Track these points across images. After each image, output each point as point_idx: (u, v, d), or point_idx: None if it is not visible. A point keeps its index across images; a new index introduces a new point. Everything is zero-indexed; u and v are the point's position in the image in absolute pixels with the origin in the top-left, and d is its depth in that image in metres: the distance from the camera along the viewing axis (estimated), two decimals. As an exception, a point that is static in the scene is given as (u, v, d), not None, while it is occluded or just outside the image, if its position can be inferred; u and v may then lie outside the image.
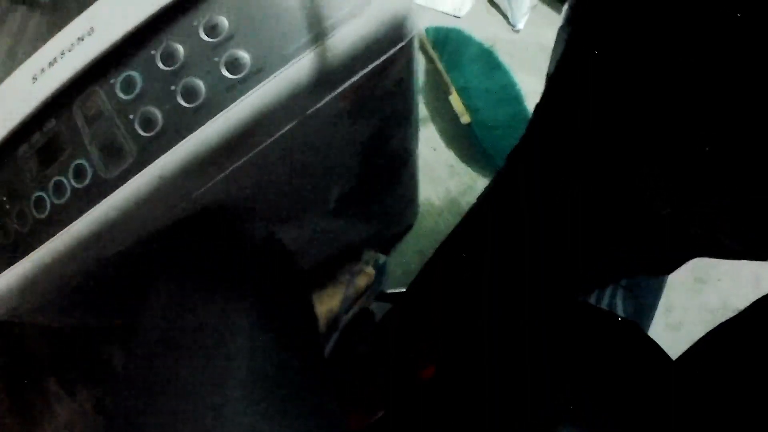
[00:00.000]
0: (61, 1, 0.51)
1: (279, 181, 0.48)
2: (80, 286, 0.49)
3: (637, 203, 0.53)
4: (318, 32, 0.41)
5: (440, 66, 1.16)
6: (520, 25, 1.28)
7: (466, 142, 1.18)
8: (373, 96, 0.45)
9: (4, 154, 0.48)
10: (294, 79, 0.40)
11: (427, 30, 1.28)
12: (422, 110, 1.22)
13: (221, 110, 0.40)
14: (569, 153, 0.50)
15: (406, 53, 0.43)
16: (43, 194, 0.46)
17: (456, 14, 1.34)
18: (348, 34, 0.41)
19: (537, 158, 0.51)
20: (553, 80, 0.51)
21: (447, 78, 1.16)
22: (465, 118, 1.15)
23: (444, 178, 1.15)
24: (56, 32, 0.47)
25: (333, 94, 0.41)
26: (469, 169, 1.17)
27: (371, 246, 0.89)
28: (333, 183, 0.58)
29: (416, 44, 0.45)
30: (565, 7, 0.50)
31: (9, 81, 0.48)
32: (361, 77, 0.42)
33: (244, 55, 0.41)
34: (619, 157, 0.51)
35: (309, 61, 0.40)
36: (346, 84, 0.41)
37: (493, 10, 1.34)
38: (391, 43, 0.42)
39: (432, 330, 0.55)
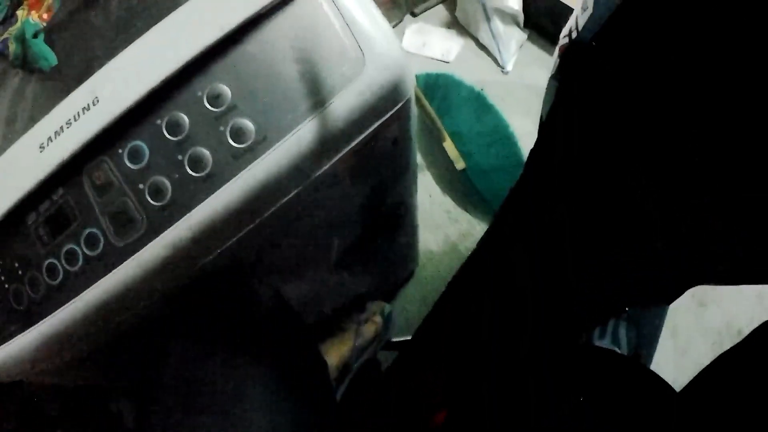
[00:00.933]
0: (60, 69, 0.52)
1: (284, 242, 0.50)
2: (92, 350, 0.50)
3: (636, 233, 0.55)
4: (317, 100, 0.42)
5: (433, 113, 1.18)
6: (509, 67, 1.31)
7: (462, 188, 1.20)
8: (372, 157, 0.47)
9: (13, 222, 0.50)
10: (297, 147, 0.42)
11: (417, 77, 1.30)
12: (418, 159, 1.24)
13: (229, 179, 0.42)
14: (564, 194, 0.52)
15: (403, 114, 0.45)
16: (56, 261, 0.48)
17: (445, 59, 1.38)
18: (346, 100, 0.43)
19: (532, 202, 0.53)
20: (547, 125, 0.53)
21: (440, 125, 1.18)
22: (460, 164, 1.17)
23: (442, 225, 1.18)
24: (59, 100, 0.49)
25: (334, 159, 0.43)
26: (466, 215, 1.19)
27: (375, 297, 0.91)
28: (336, 238, 0.60)
29: (412, 106, 0.47)
30: (554, 57, 0.52)
31: (14, 149, 0.50)
32: (360, 141, 0.44)
33: (249, 124, 0.43)
34: (614, 178, 0.53)
35: (310, 128, 0.42)
36: (347, 148, 0.43)
37: (481, 53, 1.37)
38: (387, 106, 0.44)
39: (441, 375, 0.56)
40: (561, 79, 0.53)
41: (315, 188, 0.44)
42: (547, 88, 0.56)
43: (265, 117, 0.42)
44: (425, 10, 1.48)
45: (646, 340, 0.76)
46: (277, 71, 0.43)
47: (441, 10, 1.47)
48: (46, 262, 0.48)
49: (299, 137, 0.42)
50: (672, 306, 0.91)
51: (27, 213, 0.49)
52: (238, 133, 0.42)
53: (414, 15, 1.48)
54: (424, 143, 1.26)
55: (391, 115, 0.44)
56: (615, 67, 0.51)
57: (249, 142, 0.42)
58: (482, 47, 1.36)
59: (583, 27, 0.54)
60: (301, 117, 0.42)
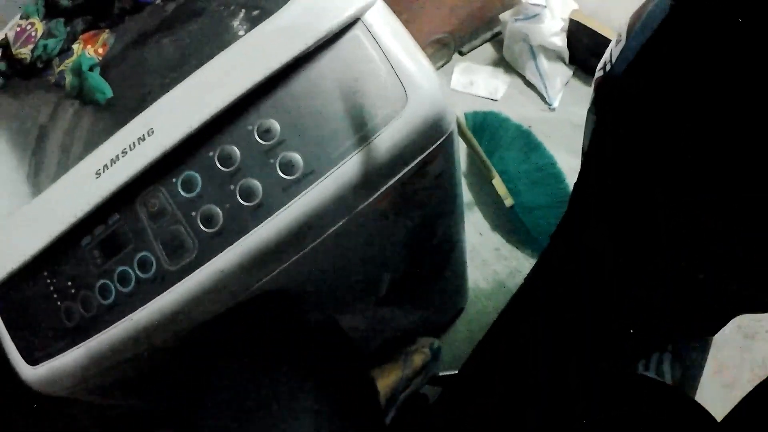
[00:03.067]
0: (115, 101, 0.56)
1: (332, 272, 0.54)
2: (139, 370, 0.54)
3: (682, 267, 0.57)
4: (362, 135, 0.46)
5: (481, 152, 1.22)
6: (555, 104, 1.35)
7: (511, 225, 1.24)
8: (417, 191, 0.50)
9: (68, 244, 0.54)
10: (343, 180, 0.46)
11: (466, 115, 1.35)
12: (467, 195, 1.29)
13: (278, 210, 0.46)
14: (609, 224, 0.55)
15: (446, 149, 0.48)
16: (109, 282, 0.52)
17: (492, 97, 1.43)
18: (389, 136, 0.46)
19: (578, 232, 0.56)
20: (587, 157, 0.56)
21: (488, 163, 1.22)
22: (508, 201, 1.21)
23: (491, 262, 1.21)
24: (114, 130, 0.53)
25: (379, 192, 0.47)
26: (515, 251, 1.22)
27: (424, 332, 0.94)
28: (384, 272, 0.63)
29: (455, 140, 0.50)
30: (591, 91, 0.55)
31: (71, 175, 0.54)
32: (404, 174, 0.47)
33: (297, 158, 0.46)
34: (650, 205, 0.55)
35: (355, 162, 0.46)
36: (391, 182, 0.47)
37: (527, 91, 1.42)
38: (430, 140, 0.47)
39: (488, 408, 0.59)
40: (596, 111, 0.56)
41: (361, 220, 0.48)
42: (586, 121, 0.59)
43: (313, 151, 0.46)
44: (472, 49, 1.54)
45: (690, 373, 0.78)
46: (324, 107, 0.47)
47: (488, 49, 1.53)
48: (99, 283, 0.52)
49: (345, 171, 0.46)
50: (718, 340, 0.91)
51: (82, 235, 0.53)
52: (287, 166, 0.46)
53: (462, 54, 1.54)
54: (474, 181, 1.30)
55: (433, 150, 0.48)
56: (645, 98, 0.53)
57: (297, 175, 0.46)
58: (529, 85, 1.41)
59: (616, 60, 0.57)
60: (347, 151, 0.46)
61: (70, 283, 0.55)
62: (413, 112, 0.46)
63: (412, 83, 0.47)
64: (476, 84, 1.44)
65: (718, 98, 0.48)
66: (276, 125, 0.47)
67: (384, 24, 0.49)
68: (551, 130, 1.28)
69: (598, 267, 0.58)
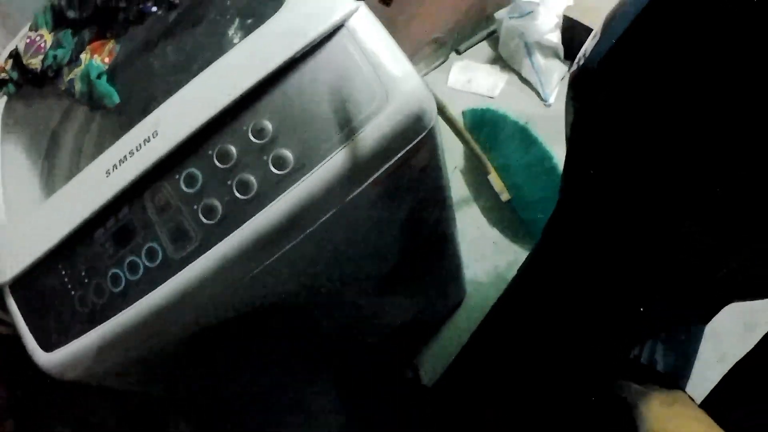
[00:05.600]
0: (122, 106, 0.62)
1: (328, 259, 0.60)
2: (150, 354, 0.60)
3: (670, 252, 0.62)
4: (347, 131, 0.52)
5: (477, 148, 1.28)
6: (551, 99, 1.42)
7: (509, 219, 1.30)
8: (402, 183, 0.56)
9: (82, 236, 0.60)
10: (331, 173, 0.52)
11: (464, 112, 1.41)
12: (464, 191, 1.36)
13: (272, 201, 0.52)
14: (597, 210, 0.60)
15: (428, 143, 0.54)
16: (119, 271, 0.58)
17: (490, 94, 1.50)
18: (372, 131, 0.52)
19: (569, 223, 0.61)
20: (569, 145, 0.61)
21: (485, 158, 1.29)
22: (505, 196, 1.27)
23: (489, 255, 1.27)
24: (122, 133, 0.59)
25: (366, 184, 0.53)
26: (513, 245, 1.28)
27: (425, 323, 0.98)
28: (378, 261, 0.69)
29: (437, 135, 0.56)
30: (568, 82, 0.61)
31: (84, 174, 0.61)
32: (389, 167, 0.53)
33: (288, 154, 0.52)
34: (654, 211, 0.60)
35: (342, 156, 0.52)
36: (376, 174, 0.53)
37: (525, 87, 1.48)
38: (411, 135, 0.53)
39: (485, 396, 0.64)
40: (573, 103, 0.61)
41: (350, 211, 0.54)
42: (566, 110, 0.64)
43: (302, 147, 0.52)
44: (469, 48, 1.61)
45: (684, 363, 0.82)
46: (312, 107, 0.53)
47: (484, 47, 1.60)
48: (111, 272, 0.59)
49: (332, 164, 0.52)
50: (720, 331, 0.95)
51: (95, 229, 0.60)
52: (279, 162, 0.52)
53: (459, 53, 1.61)
54: (471, 177, 1.37)
55: (416, 144, 0.54)
56: (617, 90, 0.59)
57: (288, 169, 0.52)
58: (525, 81, 1.47)
59: (590, 53, 0.63)
60: (334, 147, 0.52)
61: (83, 273, 0.61)
62: (394, 109, 0.52)
63: (392, 82, 0.53)
64: (474, 82, 1.51)
65: (687, 90, 0.53)
66: (269, 125, 0.53)
67: (366, 28, 0.55)
68: (548, 125, 1.33)
69: (589, 257, 0.63)
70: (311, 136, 0.53)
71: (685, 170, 0.56)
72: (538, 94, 1.44)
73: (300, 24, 0.55)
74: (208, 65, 0.57)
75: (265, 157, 0.53)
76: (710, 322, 0.83)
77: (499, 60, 1.54)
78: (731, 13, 0.47)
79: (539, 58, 1.40)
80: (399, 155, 0.54)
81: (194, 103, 0.56)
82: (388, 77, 0.53)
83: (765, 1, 0.42)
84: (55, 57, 0.67)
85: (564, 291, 0.64)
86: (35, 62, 0.69)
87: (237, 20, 0.58)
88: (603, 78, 0.61)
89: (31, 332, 0.64)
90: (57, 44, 0.68)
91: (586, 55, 0.63)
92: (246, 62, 0.55)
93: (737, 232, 0.56)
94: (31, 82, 0.70)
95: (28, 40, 0.72)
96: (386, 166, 0.53)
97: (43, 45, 0.70)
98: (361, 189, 0.53)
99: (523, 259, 1.22)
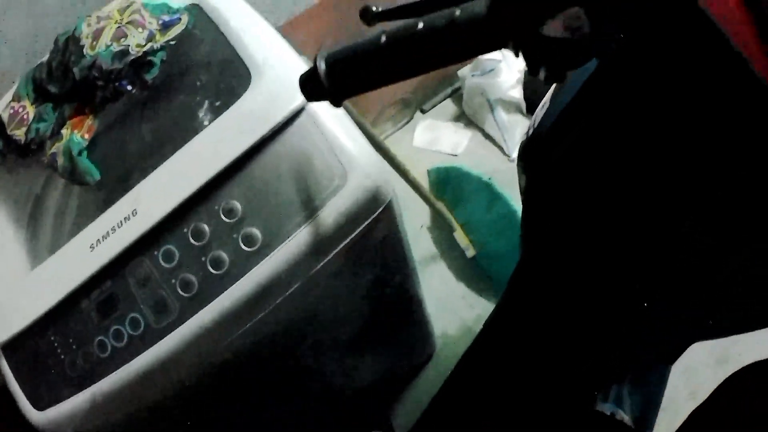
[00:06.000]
0: (102, 182, 0.67)
1: (297, 326, 0.65)
2: (136, 412, 0.65)
3: (629, 302, 0.66)
4: (310, 209, 0.57)
5: (441, 208, 1.33)
6: (515, 154, 1.43)
7: (476, 274, 1.33)
8: (364, 254, 0.62)
9: (69, 306, 0.65)
10: (296, 249, 0.57)
11: (429, 171, 1.44)
12: (432, 248, 1.40)
13: (242, 276, 0.57)
14: (554, 265, 0.64)
15: (387, 216, 0.60)
16: (105, 339, 0.63)
17: (454, 152, 1.53)
18: (333, 209, 0.57)
19: (530, 276, 0.65)
20: (524, 209, 0.66)
21: (449, 217, 1.33)
22: (470, 252, 1.31)
23: (458, 310, 1.30)
24: (103, 208, 0.64)
25: (328, 257, 0.58)
26: (481, 299, 1.31)
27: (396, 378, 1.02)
28: (345, 325, 0.75)
29: (395, 207, 0.61)
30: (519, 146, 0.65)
31: (69, 247, 0.65)
32: (350, 240, 0.58)
33: (256, 232, 0.57)
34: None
35: (305, 233, 0.57)
36: (338, 248, 0.58)
37: (488, 144, 1.52)
38: (370, 210, 0.59)
39: None
40: (524, 171, 0.66)
41: (316, 282, 0.59)
42: (518, 176, 0.69)
43: (269, 226, 0.57)
44: (434, 106, 1.64)
45: (651, 401, 0.86)
46: (277, 187, 0.58)
47: (449, 105, 1.63)
48: (97, 339, 0.63)
49: (297, 241, 0.57)
50: (691, 365, 0.97)
51: (81, 299, 0.64)
52: (248, 240, 0.57)
53: (423, 112, 1.65)
54: (438, 234, 1.41)
55: (375, 218, 0.59)
56: (566, 156, 0.63)
57: (257, 246, 0.57)
58: (489, 137, 1.51)
59: (540, 122, 0.67)
60: (298, 225, 0.57)
61: (71, 340, 0.66)
62: (353, 186, 0.58)
63: (351, 162, 0.58)
64: (438, 140, 1.55)
65: (633, 153, 0.57)
66: (238, 205, 0.58)
67: (326, 111, 0.60)
68: (512, 180, 1.32)
69: (552, 307, 0.67)
70: (277, 215, 0.58)
71: (639, 232, 0.60)
72: (501, 149, 1.48)
73: (264, 108, 0.60)
74: (181, 146, 0.62)
75: (235, 235, 0.58)
76: (681, 357, 0.84)
77: (463, 117, 1.58)
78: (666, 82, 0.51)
79: (502, 114, 1.44)
80: (359, 230, 0.59)
81: (169, 184, 0.60)
82: (346, 157, 0.58)
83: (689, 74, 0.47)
84: (37, 130, 0.72)
85: (527, 341, 0.69)
86: (19, 133, 0.73)
87: (206, 102, 0.63)
88: (553, 144, 0.65)
89: (23, 391, 0.68)
90: (39, 117, 0.73)
91: (535, 125, 0.68)
92: (215, 145, 0.60)
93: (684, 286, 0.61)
94: (15, 152, 0.74)
95: (11, 111, 0.76)
96: (347, 240, 0.58)
97: (26, 117, 0.74)
98: (324, 262, 0.58)
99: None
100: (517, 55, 0.48)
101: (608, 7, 0.44)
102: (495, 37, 0.46)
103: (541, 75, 0.48)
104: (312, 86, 0.48)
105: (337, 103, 0.49)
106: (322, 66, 0.46)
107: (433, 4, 0.52)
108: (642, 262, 0.61)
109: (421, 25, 0.46)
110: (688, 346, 0.78)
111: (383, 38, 0.46)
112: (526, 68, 0.48)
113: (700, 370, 1.11)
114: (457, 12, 0.46)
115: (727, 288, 0.57)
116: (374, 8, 0.53)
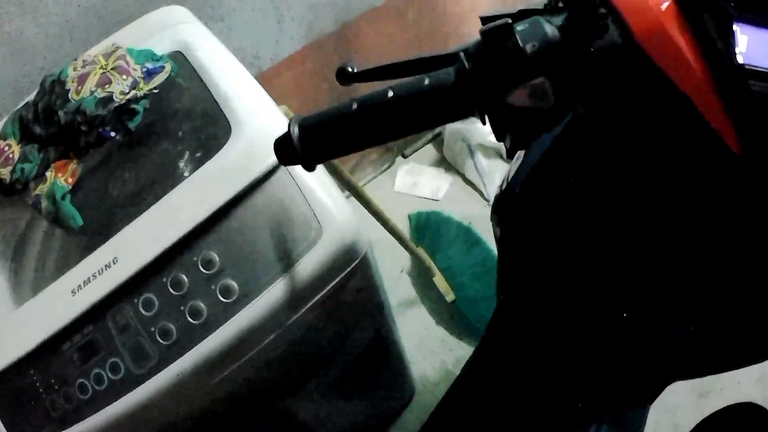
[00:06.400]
0: (84, 227, 0.68)
1: (274, 373, 0.67)
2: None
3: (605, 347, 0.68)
4: (286, 263, 0.59)
5: (421, 254, 1.35)
6: None
7: (456, 318, 1.35)
8: (339, 305, 0.64)
9: (51, 348, 0.66)
10: (272, 301, 0.59)
11: (409, 216, 1.48)
12: (411, 292, 1.42)
13: (220, 326, 0.59)
14: (530, 310, 0.66)
15: (362, 268, 0.62)
16: (86, 381, 0.64)
17: (435, 197, 1.56)
18: (309, 262, 0.59)
19: (508, 320, 0.67)
20: (498, 253, 0.68)
21: (429, 262, 1.35)
22: (450, 297, 1.33)
23: (438, 353, 1.32)
24: (85, 253, 0.65)
25: (304, 309, 0.60)
26: (461, 342, 1.33)
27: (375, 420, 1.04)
28: (323, 371, 0.77)
29: (371, 260, 0.63)
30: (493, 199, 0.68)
31: (52, 289, 0.67)
32: (326, 293, 0.60)
33: (234, 284, 0.59)
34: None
35: (281, 286, 0.59)
36: (313, 300, 0.60)
37: (468, 188, 1.54)
38: (345, 263, 0.61)
39: None
40: (498, 224, 0.68)
41: (293, 331, 0.61)
42: (493, 226, 0.71)
43: (246, 278, 0.59)
44: (415, 151, 1.67)
45: None
46: (254, 240, 0.60)
47: (430, 149, 1.66)
48: (78, 381, 0.65)
49: (273, 293, 0.59)
50: (673, 400, 0.98)
51: (63, 341, 0.66)
52: (225, 291, 0.59)
53: (405, 156, 1.67)
54: (418, 278, 1.43)
55: (350, 271, 0.61)
56: (539, 208, 0.65)
57: (234, 298, 0.59)
58: (469, 182, 1.53)
59: (513, 176, 0.69)
60: (274, 277, 0.59)
61: (53, 381, 0.67)
62: (328, 241, 0.60)
63: (326, 217, 0.60)
64: (419, 185, 1.57)
65: (605, 204, 0.59)
66: (216, 257, 0.60)
67: (303, 165, 0.62)
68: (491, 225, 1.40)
69: (529, 351, 0.70)
70: (254, 267, 0.60)
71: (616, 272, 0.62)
72: (481, 194, 1.50)
73: (243, 161, 0.62)
74: (161, 195, 0.64)
75: (213, 287, 0.60)
76: (663, 392, 0.86)
77: (444, 162, 1.61)
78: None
79: (482, 159, 1.46)
80: (334, 282, 0.61)
81: (150, 234, 0.62)
82: (322, 212, 0.60)
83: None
84: (22, 170, 0.73)
85: (506, 384, 0.71)
86: (5, 172, 0.75)
87: (187, 153, 0.65)
88: (526, 197, 0.67)
89: (6, 428, 0.70)
90: (24, 157, 0.74)
91: (509, 179, 0.70)
92: (194, 197, 0.62)
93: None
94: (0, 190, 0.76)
95: (-3, 149, 0.78)
96: (322, 292, 0.61)
97: (11, 156, 0.75)
98: (300, 314, 0.60)
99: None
100: (483, 123, 0.50)
101: (572, 77, 0.46)
102: (462, 105, 0.48)
103: (507, 142, 0.50)
104: (285, 151, 0.49)
105: (309, 168, 0.51)
106: (294, 131, 0.48)
107: (406, 69, 0.54)
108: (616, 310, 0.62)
109: (390, 93, 0.47)
110: (666, 385, 0.80)
111: (354, 105, 0.47)
112: (493, 135, 0.50)
113: (682, 404, 1.13)
114: (426, 81, 0.48)
115: (727, 292, 0.56)
116: (350, 69, 0.55)
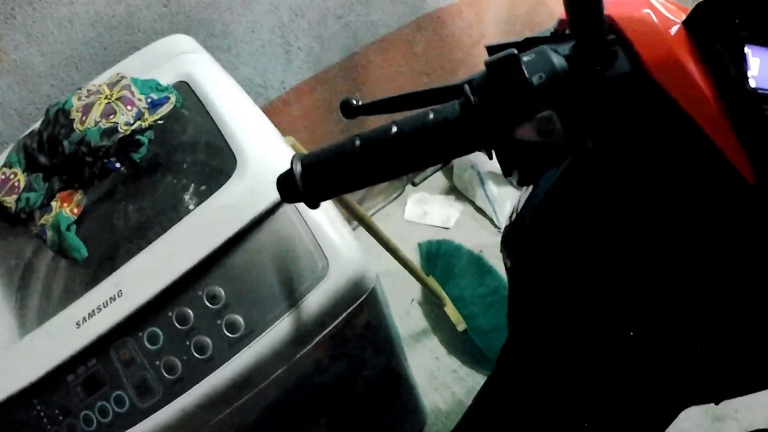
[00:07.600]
0: (89, 259, 0.69)
1: (281, 407, 0.67)
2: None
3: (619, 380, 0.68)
4: (293, 299, 0.60)
5: (431, 284, 1.34)
6: None
7: (467, 348, 1.35)
8: (347, 340, 0.64)
9: (55, 379, 0.67)
10: (278, 337, 0.59)
11: (419, 245, 1.47)
12: (423, 322, 1.42)
13: (225, 362, 0.59)
14: (541, 341, 0.66)
15: (370, 303, 0.62)
16: (90, 413, 0.65)
17: (445, 226, 1.55)
18: (315, 298, 0.60)
19: (519, 351, 0.67)
20: (509, 284, 0.68)
21: (440, 292, 1.35)
22: (461, 327, 1.32)
23: (449, 384, 1.32)
24: (90, 286, 0.66)
25: (310, 345, 0.60)
26: (472, 372, 1.33)
27: None
28: (331, 404, 0.77)
29: (379, 295, 0.63)
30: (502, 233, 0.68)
31: (56, 322, 0.67)
32: (333, 328, 0.61)
33: (239, 319, 0.60)
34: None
35: (288, 322, 0.59)
36: (320, 336, 0.60)
37: (479, 216, 1.54)
38: (352, 299, 0.61)
39: None
40: (507, 255, 0.68)
41: (299, 366, 0.61)
42: (503, 258, 0.72)
43: (252, 313, 0.60)
44: (424, 179, 1.68)
45: None
46: (260, 276, 0.60)
47: (439, 177, 1.66)
48: (83, 413, 0.65)
49: (279, 329, 0.59)
50: (687, 426, 0.98)
51: (67, 373, 0.66)
52: (231, 326, 0.60)
53: (414, 185, 1.68)
54: (429, 308, 1.43)
55: (357, 306, 0.61)
56: (549, 239, 0.65)
57: (240, 333, 0.59)
58: (480, 210, 1.53)
59: (523, 206, 0.69)
60: (280, 313, 0.59)
61: (57, 411, 0.68)
62: (335, 277, 0.60)
63: (333, 252, 0.61)
64: (429, 214, 1.57)
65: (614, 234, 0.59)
66: (221, 292, 0.60)
67: (309, 199, 0.62)
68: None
69: (540, 381, 0.70)
70: (260, 303, 0.60)
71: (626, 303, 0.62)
72: (492, 221, 1.50)
73: (248, 196, 0.62)
74: (167, 228, 0.64)
75: (219, 321, 0.60)
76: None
77: (454, 190, 1.61)
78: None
79: (492, 187, 1.47)
80: (341, 318, 0.61)
81: (155, 267, 0.63)
82: (329, 247, 0.61)
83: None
84: (27, 200, 0.74)
85: (518, 415, 0.71)
86: (10, 201, 0.75)
87: (192, 186, 0.65)
88: (536, 227, 0.67)
89: (9, 460, 0.70)
90: (29, 187, 0.75)
91: (519, 209, 0.70)
92: (200, 231, 0.62)
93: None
94: (4, 219, 0.76)
95: (2, 177, 0.78)
96: (329, 328, 0.61)
97: (17, 185, 0.76)
98: (307, 349, 0.61)
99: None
100: (490, 158, 0.49)
101: (581, 109, 0.46)
102: (468, 140, 0.47)
103: (514, 177, 0.50)
104: (288, 189, 0.49)
105: (312, 206, 0.51)
106: (297, 169, 0.48)
107: (410, 101, 0.53)
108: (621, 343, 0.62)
109: (394, 129, 0.47)
110: (680, 412, 0.80)
111: (357, 142, 0.47)
112: (501, 170, 0.50)
113: (696, 428, 1.11)
114: (431, 115, 0.47)
115: (727, 293, 0.56)
116: (354, 102, 0.55)
